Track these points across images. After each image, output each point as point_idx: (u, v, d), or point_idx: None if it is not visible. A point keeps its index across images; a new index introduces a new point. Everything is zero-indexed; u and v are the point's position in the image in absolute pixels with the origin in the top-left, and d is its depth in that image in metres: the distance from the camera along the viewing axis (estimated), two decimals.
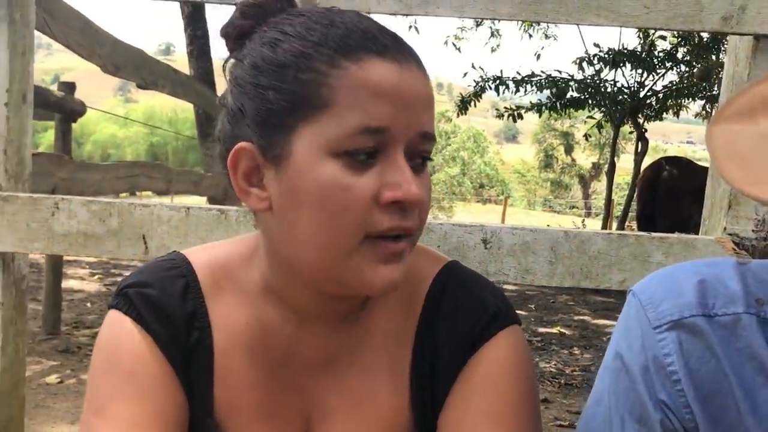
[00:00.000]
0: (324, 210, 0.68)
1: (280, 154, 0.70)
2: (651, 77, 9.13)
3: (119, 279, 6.43)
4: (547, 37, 12.18)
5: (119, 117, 30.05)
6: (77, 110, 4.05)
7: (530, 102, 9.57)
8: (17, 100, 1.41)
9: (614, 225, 10.77)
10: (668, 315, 0.66)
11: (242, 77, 0.73)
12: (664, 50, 9.06)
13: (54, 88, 4.15)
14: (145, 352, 0.77)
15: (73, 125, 4.16)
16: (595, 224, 17.97)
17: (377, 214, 0.68)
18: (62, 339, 4.22)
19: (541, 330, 5.63)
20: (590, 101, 9.31)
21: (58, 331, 4.31)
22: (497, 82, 8.98)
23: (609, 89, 9.16)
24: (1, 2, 1.36)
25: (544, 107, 9.40)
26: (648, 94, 9.24)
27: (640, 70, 9.00)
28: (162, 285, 0.79)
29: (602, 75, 9.11)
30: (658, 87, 9.32)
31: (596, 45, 8.96)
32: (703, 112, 10.31)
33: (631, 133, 9.86)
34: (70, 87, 4.13)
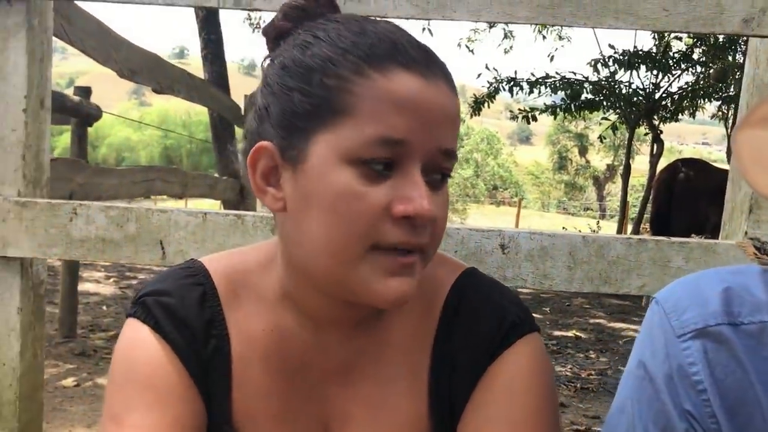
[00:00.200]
0: (334, 215, 0.68)
1: (298, 156, 0.70)
2: (666, 78, 9.07)
3: (134, 282, 6.47)
4: (560, 38, 12.14)
5: (134, 121, 30.21)
6: (93, 114, 4.07)
7: (544, 104, 9.54)
8: (35, 105, 1.42)
9: (629, 227, 10.70)
10: (693, 323, 0.65)
11: (271, 77, 0.73)
12: (679, 51, 9.00)
13: (69, 91, 4.18)
14: (164, 360, 0.77)
15: (88, 129, 4.19)
16: (609, 226, 17.89)
17: (387, 227, 0.68)
18: (78, 342, 4.24)
19: (557, 333, 5.60)
20: (605, 103, 9.27)
21: (75, 334, 4.33)
22: (511, 83, 8.96)
23: (624, 91, 9.11)
24: (19, 9, 1.37)
25: (558, 109, 9.37)
26: (663, 95, 9.18)
27: (655, 72, 8.95)
28: (180, 293, 0.79)
29: (617, 76, 9.07)
30: (674, 88, 9.26)
31: (611, 46, 8.92)
32: (720, 113, 10.24)
33: (646, 134, 9.80)
34: (85, 92, 4.15)
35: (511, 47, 12.14)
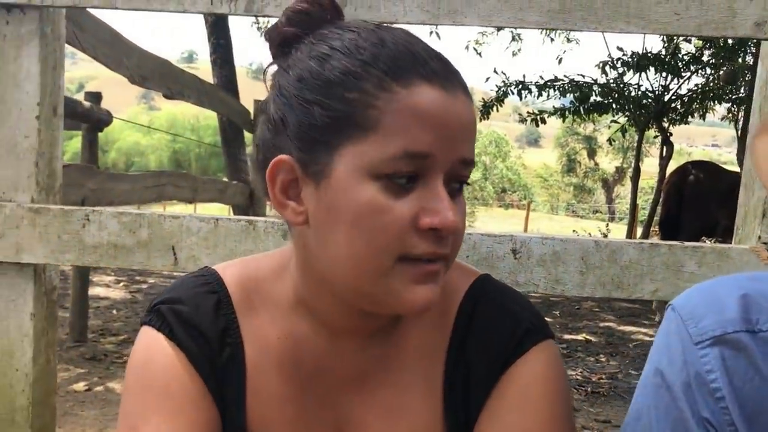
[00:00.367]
0: (361, 230, 0.68)
1: (321, 171, 0.70)
2: (676, 81, 9.04)
3: (144, 286, 6.49)
4: (569, 41, 12.13)
5: (143, 126, 30.36)
6: (104, 120, 4.09)
7: (553, 107, 9.52)
8: (48, 113, 1.43)
9: (639, 230, 10.66)
10: (710, 330, 0.65)
11: (287, 88, 0.72)
12: (689, 53, 8.97)
13: (79, 96, 4.20)
14: (179, 369, 0.77)
15: (98, 134, 4.21)
16: (619, 229, 17.83)
17: (413, 238, 0.68)
18: (89, 346, 4.26)
19: (567, 337, 5.58)
20: (614, 105, 9.24)
21: (85, 338, 4.35)
22: (520, 86, 8.95)
23: (633, 93, 9.09)
24: (32, 17, 1.38)
25: (567, 112, 9.35)
26: (673, 97, 9.15)
27: (664, 74, 8.92)
28: (194, 301, 0.80)
29: (626, 79, 9.05)
30: (684, 90, 9.23)
31: (620, 49, 8.90)
32: (730, 114, 10.19)
33: (656, 137, 9.76)
34: (96, 97, 4.18)
35: (519, 50, 12.14)
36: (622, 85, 9.07)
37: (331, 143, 0.69)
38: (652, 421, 0.67)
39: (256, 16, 1.37)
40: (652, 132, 10.08)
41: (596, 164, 39.57)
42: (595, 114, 9.69)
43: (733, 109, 9.89)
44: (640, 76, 8.98)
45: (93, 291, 5.50)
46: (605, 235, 12.52)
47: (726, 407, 0.63)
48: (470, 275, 0.84)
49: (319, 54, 0.71)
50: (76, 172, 3.03)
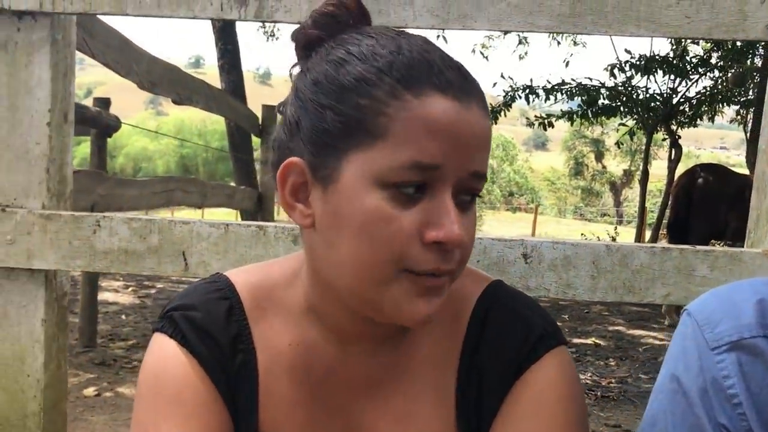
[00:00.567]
0: (365, 238, 0.68)
1: (329, 176, 0.70)
2: (684, 83, 9.02)
3: (153, 291, 6.50)
4: (575, 44, 12.11)
5: (151, 131, 30.47)
6: (112, 125, 4.11)
7: (561, 110, 9.50)
8: (59, 119, 1.43)
9: (647, 233, 10.63)
10: (727, 336, 0.64)
11: (303, 91, 0.72)
12: (697, 56, 8.95)
13: (87, 102, 4.22)
14: (191, 375, 0.77)
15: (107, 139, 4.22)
16: (627, 232, 17.77)
17: (417, 251, 0.68)
18: (99, 351, 4.27)
19: (576, 341, 5.56)
20: (622, 108, 9.22)
21: (95, 343, 4.36)
22: (527, 91, 8.94)
23: (641, 96, 9.06)
24: (43, 24, 1.38)
25: (575, 115, 9.33)
26: (681, 100, 9.12)
27: (672, 76, 8.89)
28: (206, 307, 0.80)
29: (634, 82, 9.02)
30: (692, 93, 9.20)
31: (627, 51, 8.87)
32: (738, 117, 10.15)
33: (664, 139, 9.73)
34: (105, 103, 4.19)
35: (525, 53, 12.13)
36: (630, 88, 9.05)
37: (341, 148, 0.69)
38: (668, 427, 0.67)
39: (266, 22, 1.37)
40: (660, 135, 10.05)
41: (604, 167, 39.48)
42: (603, 117, 9.66)
43: (741, 111, 9.85)
44: (648, 78, 8.96)
45: (102, 296, 5.52)
46: (614, 239, 12.47)
47: (743, 413, 0.62)
48: (482, 281, 0.84)
49: (336, 58, 0.71)
50: (86, 177, 3.05)
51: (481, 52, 12.02)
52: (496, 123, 9.54)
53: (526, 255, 1.30)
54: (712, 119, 9.67)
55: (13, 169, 1.40)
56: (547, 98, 8.96)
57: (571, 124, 9.91)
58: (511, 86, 9.07)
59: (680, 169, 8.22)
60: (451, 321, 0.81)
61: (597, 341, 5.59)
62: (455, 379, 0.80)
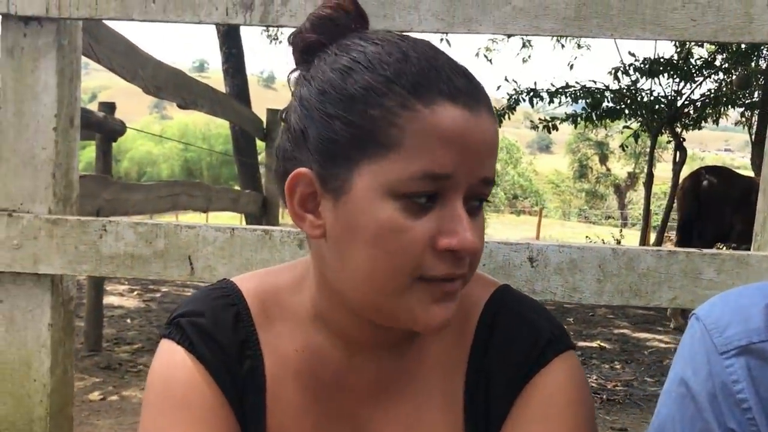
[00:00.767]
0: (379, 249, 0.68)
1: (340, 187, 0.69)
2: (689, 86, 9.00)
3: (158, 295, 6.51)
4: (579, 47, 12.11)
5: (155, 135, 30.58)
6: (118, 130, 4.12)
7: (565, 113, 9.50)
8: (65, 124, 1.44)
9: (652, 236, 10.61)
10: (736, 340, 0.64)
11: (308, 100, 0.71)
12: (701, 58, 8.93)
13: (91, 106, 4.23)
14: (199, 381, 0.77)
15: (112, 143, 4.23)
16: (632, 234, 17.74)
17: (431, 259, 0.68)
18: (104, 355, 4.27)
19: (581, 344, 5.54)
20: (626, 111, 9.21)
21: (100, 347, 4.36)
22: (531, 94, 8.93)
23: (645, 99, 9.05)
24: (49, 29, 1.39)
25: (579, 118, 9.32)
26: (686, 102, 9.11)
27: (677, 79, 8.88)
28: (213, 314, 0.79)
29: (638, 84, 9.01)
30: (696, 95, 9.19)
31: (631, 54, 8.87)
32: (743, 119, 10.13)
33: (668, 142, 9.72)
34: (110, 107, 4.20)
35: (529, 56, 12.13)
36: (634, 91, 9.04)
37: (352, 159, 0.68)
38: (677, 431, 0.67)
39: (271, 26, 1.38)
40: (664, 137, 10.04)
41: (608, 170, 39.42)
42: (607, 120, 9.65)
43: (746, 113, 9.84)
44: (652, 81, 8.95)
45: (107, 300, 5.52)
46: (618, 242, 12.45)
47: (752, 418, 0.62)
48: (489, 286, 0.83)
49: (342, 67, 0.70)
50: (92, 182, 3.05)
51: (485, 56, 12.02)
52: (500, 126, 9.52)
53: (532, 259, 1.30)
54: (716, 121, 9.66)
55: (20, 174, 1.40)
56: (551, 101, 8.95)
57: (575, 127, 9.89)
58: (515, 89, 9.07)
59: (685, 172, 8.21)
60: (458, 326, 0.80)
61: (602, 344, 5.58)
62: (463, 384, 0.80)
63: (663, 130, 9.36)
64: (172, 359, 0.78)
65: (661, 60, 8.73)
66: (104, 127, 3.96)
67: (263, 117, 6.23)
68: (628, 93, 9.09)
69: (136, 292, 6.57)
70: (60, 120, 1.41)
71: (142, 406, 0.79)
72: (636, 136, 9.68)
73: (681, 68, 8.68)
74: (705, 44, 8.87)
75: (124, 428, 3.10)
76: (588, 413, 0.77)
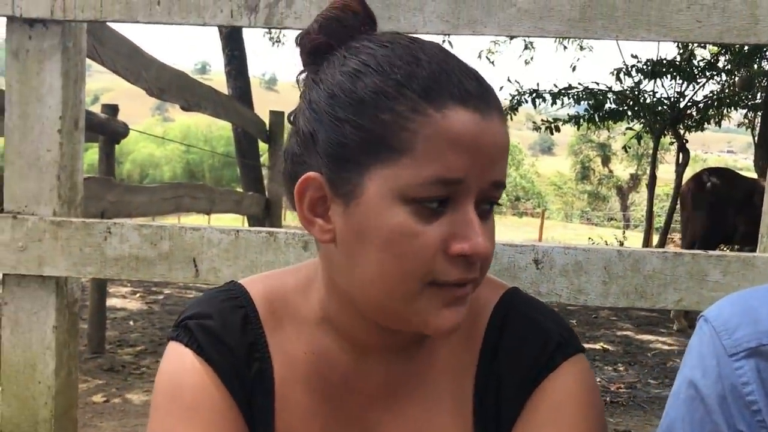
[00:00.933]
0: (390, 254, 0.67)
1: (351, 192, 0.69)
2: (691, 87, 8.99)
3: (160, 297, 6.51)
4: (582, 48, 12.10)
5: (158, 137, 30.60)
6: (120, 132, 4.12)
7: (567, 114, 9.48)
8: (70, 126, 1.44)
9: (655, 237, 10.59)
10: (745, 342, 0.64)
11: (317, 103, 0.71)
12: (704, 59, 8.92)
13: (94, 108, 4.23)
14: (207, 383, 0.76)
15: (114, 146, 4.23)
16: (635, 236, 17.72)
17: (443, 264, 0.68)
18: (107, 357, 4.27)
19: (584, 346, 5.54)
20: (629, 112, 9.20)
21: (103, 349, 4.37)
22: (533, 95, 8.92)
23: (648, 100, 9.04)
24: (54, 31, 1.39)
25: (582, 119, 9.31)
26: (688, 104, 9.10)
27: (679, 80, 8.87)
28: (222, 316, 0.79)
29: (641, 86, 9.00)
30: (699, 97, 9.17)
31: (634, 56, 8.86)
32: (746, 121, 10.12)
33: (671, 144, 9.71)
34: (113, 109, 4.21)
35: (531, 58, 12.12)
36: (637, 92, 9.03)
37: (362, 164, 0.68)
38: None
39: (276, 29, 1.38)
40: (667, 139, 10.03)
41: (610, 171, 39.40)
42: (609, 121, 9.64)
43: (749, 115, 9.82)
44: (655, 82, 8.94)
45: (109, 302, 5.53)
46: (621, 243, 12.44)
47: (762, 420, 0.62)
48: (498, 289, 0.83)
49: (351, 70, 0.69)
50: (96, 184, 3.06)
51: (487, 58, 12.02)
52: None
53: (537, 260, 1.29)
54: (719, 123, 9.64)
55: (25, 176, 1.41)
56: (554, 102, 8.94)
57: (578, 129, 9.88)
58: (517, 90, 9.06)
59: (688, 173, 8.20)
60: (468, 329, 0.80)
61: (605, 346, 5.57)
62: (472, 387, 0.80)
63: (665, 132, 9.34)
64: (180, 362, 0.78)
65: (664, 61, 8.71)
66: (107, 129, 3.96)
67: (265, 119, 6.24)
68: (630, 94, 9.07)
69: (138, 295, 6.57)
70: (65, 122, 1.41)
71: (150, 409, 0.78)
72: (638, 137, 9.66)
73: (684, 70, 8.66)
74: (708, 46, 8.86)
75: (127, 430, 3.10)
76: (598, 416, 0.77)
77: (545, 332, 0.79)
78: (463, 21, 1.30)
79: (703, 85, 9.05)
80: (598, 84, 8.93)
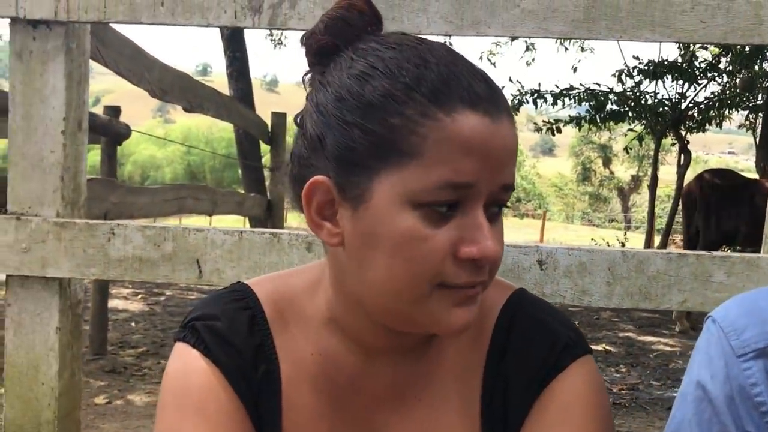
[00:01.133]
0: (399, 258, 0.67)
1: (360, 196, 0.68)
2: (693, 88, 8.98)
3: (162, 299, 6.51)
4: (583, 49, 12.09)
5: (159, 138, 30.62)
6: (123, 133, 4.13)
7: (568, 115, 9.48)
8: (73, 127, 1.44)
9: (657, 239, 10.59)
10: (753, 343, 0.64)
11: (325, 106, 0.70)
12: (705, 60, 8.91)
13: (95, 110, 4.24)
14: (214, 384, 0.76)
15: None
16: (636, 238, 17.71)
17: (452, 267, 0.67)
18: (109, 359, 4.28)
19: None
20: (630, 114, 9.19)
21: (105, 351, 4.37)
22: (535, 95, 8.92)
23: (650, 101, 9.03)
24: (58, 33, 1.39)
25: (583, 120, 9.31)
26: (690, 105, 9.09)
27: (681, 81, 8.86)
28: (229, 317, 0.79)
29: (642, 87, 9.00)
30: (700, 98, 9.17)
31: (635, 57, 8.85)
32: (747, 122, 10.11)
33: (672, 145, 9.70)
34: (115, 111, 4.21)
35: (533, 59, 12.11)
36: (638, 93, 9.02)
37: (371, 168, 0.67)
38: None
39: (280, 30, 1.38)
40: (668, 140, 10.02)
41: (611, 173, 39.40)
42: (611, 122, 9.63)
43: (750, 116, 9.81)
44: (656, 84, 8.93)
45: (111, 303, 5.53)
46: (623, 245, 12.43)
47: None
48: (506, 290, 0.83)
49: (359, 73, 0.69)
50: (99, 185, 3.06)
51: (489, 59, 12.01)
52: None
53: (541, 261, 1.29)
54: (720, 124, 9.64)
55: (28, 178, 1.40)
56: (555, 103, 8.94)
57: (579, 130, 9.88)
58: (519, 90, 9.05)
59: (689, 175, 8.19)
60: (475, 330, 0.80)
61: (607, 348, 5.56)
62: (480, 388, 0.79)
63: (667, 133, 9.34)
64: (187, 363, 0.77)
65: (665, 63, 8.71)
66: (109, 131, 3.97)
67: (267, 120, 6.24)
68: (631, 95, 9.07)
69: (140, 296, 6.57)
70: (68, 123, 1.41)
71: (157, 409, 0.78)
72: (640, 138, 9.65)
73: (685, 71, 8.65)
74: (709, 47, 8.85)
75: None
76: (606, 417, 0.77)
77: (553, 333, 0.78)
78: (466, 22, 1.30)
79: (705, 86, 9.05)
80: (599, 85, 8.93)
